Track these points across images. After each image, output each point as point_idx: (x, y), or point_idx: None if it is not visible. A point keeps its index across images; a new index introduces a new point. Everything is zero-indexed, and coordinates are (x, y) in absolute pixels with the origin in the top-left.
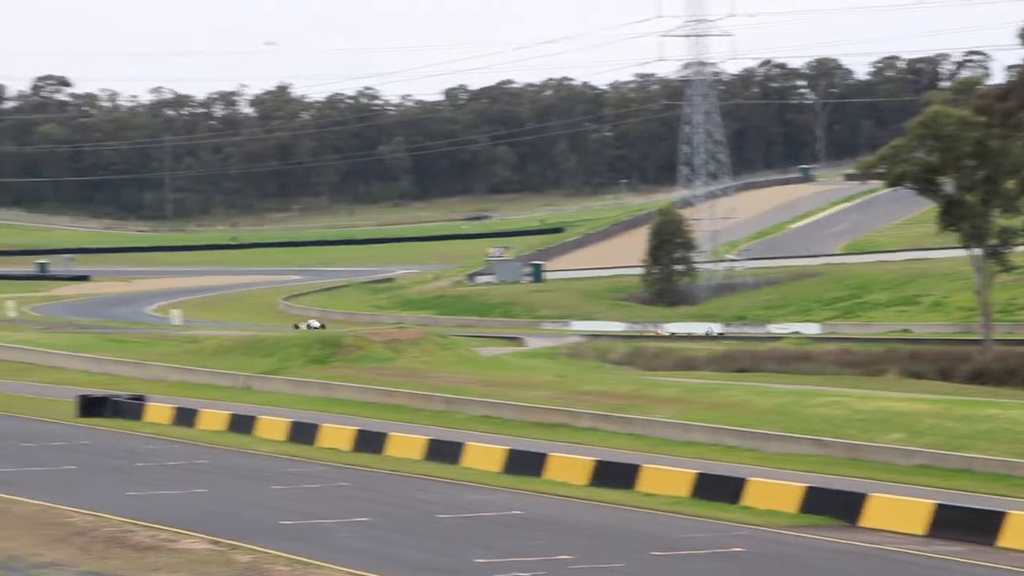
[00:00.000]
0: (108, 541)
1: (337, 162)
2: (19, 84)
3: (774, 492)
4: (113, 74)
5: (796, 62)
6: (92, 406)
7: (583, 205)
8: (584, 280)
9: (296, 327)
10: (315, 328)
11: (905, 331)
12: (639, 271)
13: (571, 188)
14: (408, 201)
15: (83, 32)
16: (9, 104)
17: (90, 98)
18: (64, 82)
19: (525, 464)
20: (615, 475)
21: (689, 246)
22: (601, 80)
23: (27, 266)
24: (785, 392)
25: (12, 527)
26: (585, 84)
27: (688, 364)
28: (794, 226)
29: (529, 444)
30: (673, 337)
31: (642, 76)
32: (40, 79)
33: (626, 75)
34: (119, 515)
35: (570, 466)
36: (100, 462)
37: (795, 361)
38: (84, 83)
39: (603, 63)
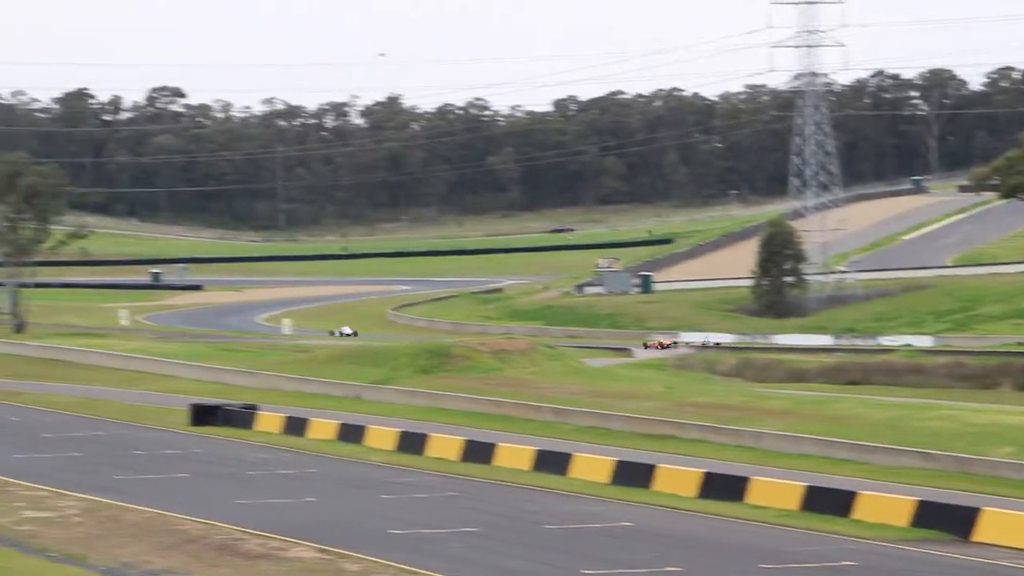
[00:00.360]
0: (219, 549)
1: (446, 173)
2: (134, 95)
3: (885, 506)
4: (226, 85)
5: (909, 72)
6: (204, 415)
7: (692, 216)
8: (693, 291)
9: (331, 333)
10: (347, 335)
11: (1020, 344)
12: (748, 283)
13: (680, 199)
14: (517, 212)
15: (197, 43)
16: (125, 115)
17: (204, 109)
18: (178, 93)
19: (633, 475)
20: (724, 487)
21: (799, 258)
22: (711, 91)
23: (141, 275)
24: (896, 405)
25: (125, 534)
26: (695, 95)
27: (798, 376)
28: (906, 238)
29: (637, 455)
30: (674, 346)
31: (753, 87)
32: (155, 90)
33: (736, 86)
34: (230, 523)
35: (679, 478)
36: (211, 470)
37: (907, 374)
38: (198, 94)
39: (713, 74)
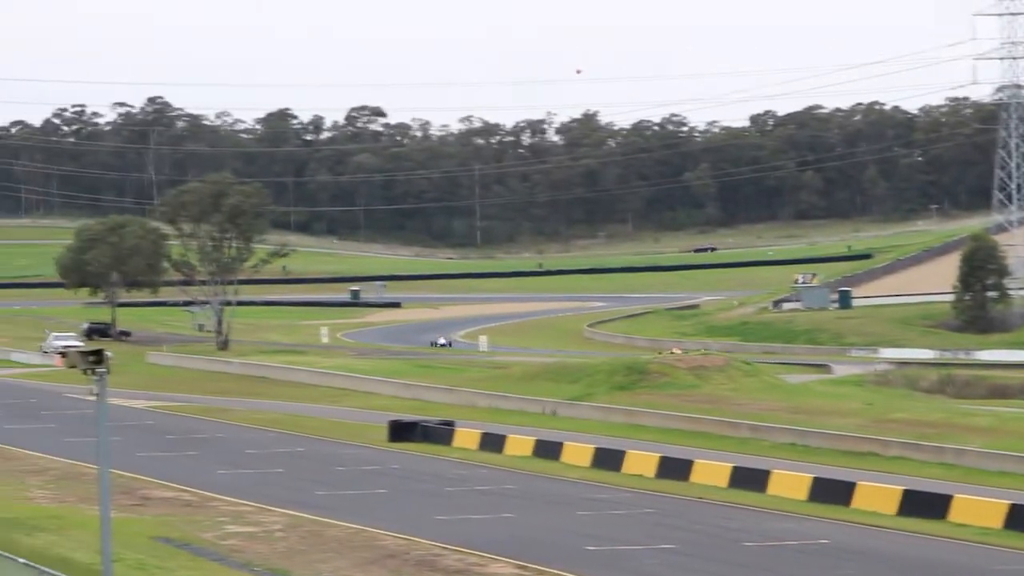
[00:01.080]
0: (418, 564)
1: (643, 189)
2: (335, 115)
3: None
4: (425, 104)
5: None
6: (402, 431)
7: (892, 231)
8: (893, 307)
9: (432, 344)
10: (442, 345)
11: None
12: (950, 298)
13: (880, 214)
14: (714, 227)
15: (396, 63)
16: (325, 135)
17: (402, 128)
18: (378, 112)
19: (832, 492)
20: (925, 505)
21: (1003, 272)
22: (912, 104)
23: (340, 293)
24: None
25: (327, 549)
26: (895, 108)
27: (1001, 393)
28: None
29: (836, 472)
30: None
31: (954, 100)
32: (354, 110)
33: (938, 99)
34: (429, 539)
35: (878, 495)
36: (410, 486)
37: None
38: (397, 113)
39: (914, 87)
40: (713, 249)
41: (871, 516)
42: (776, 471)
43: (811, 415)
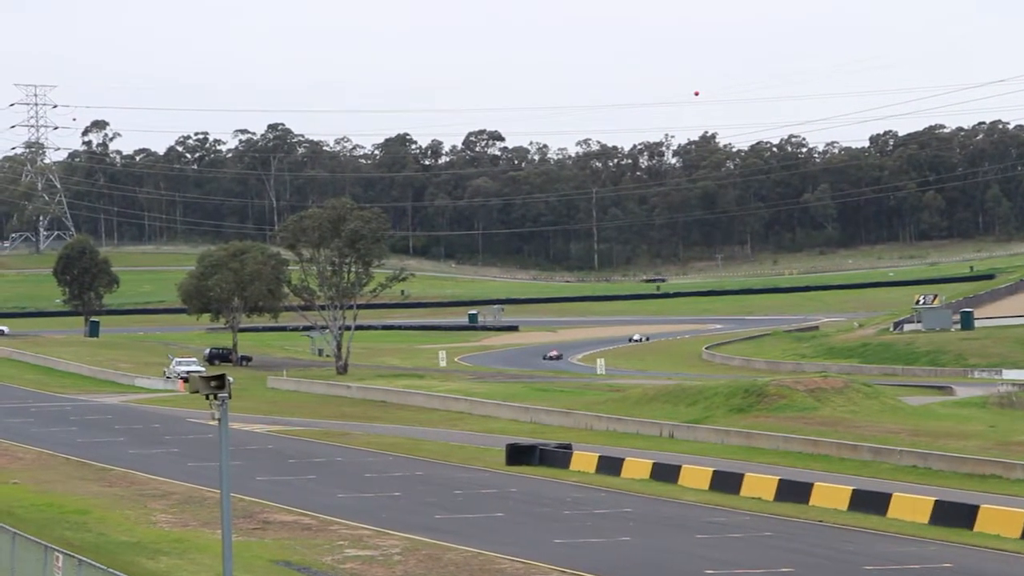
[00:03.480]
0: None
1: (761, 210)
2: (453, 140)
3: None
4: (543, 128)
5: None
6: (520, 454)
7: (1015, 250)
8: (1017, 328)
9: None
10: (554, 357)
11: None
12: None
13: (1003, 234)
14: (833, 248)
15: (514, 88)
16: (443, 159)
17: (520, 152)
18: (496, 136)
19: (954, 516)
20: None
21: None
22: None
23: (459, 317)
24: None
25: (445, 573)
26: (1018, 127)
27: None
28: None
29: (959, 495)
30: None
31: None
32: (472, 134)
33: None
34: (548, 562)
35: (1003, 519)
36: (528, 509)
37: None
38: (515, 137)
39: None
40: (663, 280)
41: (995, 540)
42: (897, 494)
43: (933, 437)
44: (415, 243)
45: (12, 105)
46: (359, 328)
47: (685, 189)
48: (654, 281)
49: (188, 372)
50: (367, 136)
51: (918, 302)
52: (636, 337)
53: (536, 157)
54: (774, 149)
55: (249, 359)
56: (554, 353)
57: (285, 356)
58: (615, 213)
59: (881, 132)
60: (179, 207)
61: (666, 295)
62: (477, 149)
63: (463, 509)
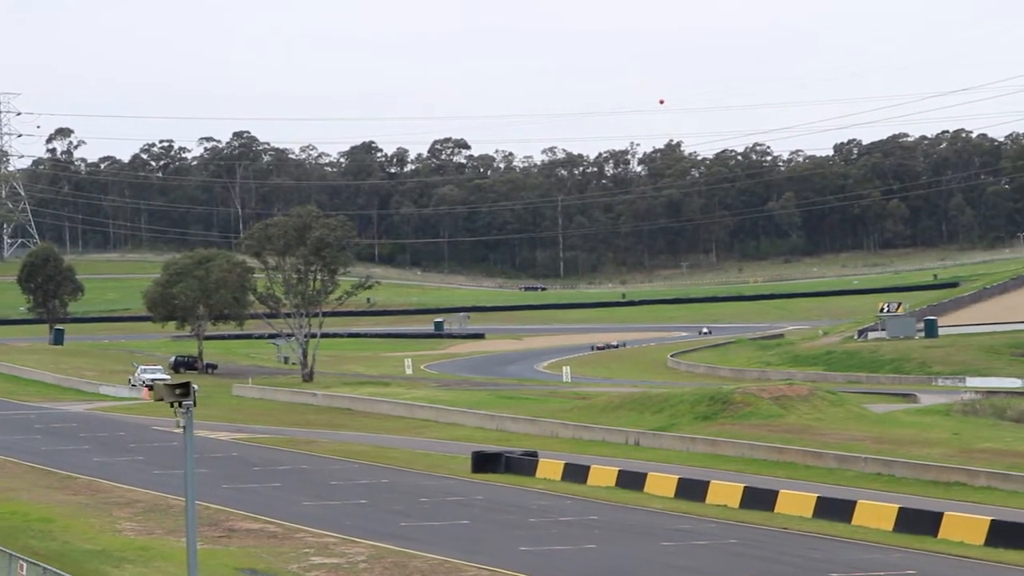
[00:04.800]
0: None
1: (726, 219)
2: (418, 148)
3: None
4: (508, 136)
5: None
6: (486, 462)
7: (979, 259)
8: (980, 335)
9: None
10: (613, 346)
11: None
12: None
13: (966, 242)
14: (798, 257)
15: (479, 96)
16: (409, 167)
17: (486, 160)
18: (462, 144)
19: (919, 523)
20: (1015, 535)
21: None
22: (999, 132)
23: (424, 325)
24: None
25: None
26: (982, 136)
27: None
28: None
29: (923, 503)
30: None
31: None
32: (438, 142)
33: None
34: (513, 570)
35: (967, 526)
36: (494, 517)
37: None
38: (480, 145)
39: (1001, 114)
40: (544, 288)
41: (959, 547)
42: (862, 501)
43: (897, 445)
44: (381, 251)
45: None
46: (324, 336)
47: (650, 197)
48: (534, 289)
49: (153, 380)
50: (333, 144)
51: (882, 310)
52: (614, 343)
53: (502, 165)
54: (739, 157)
55: (214, 367)
56: (615, 343)
57: (251, 364)
58: (581, 221)
59: (845, 141)
60: (144, 215)
61: (631, 303)
62: (443, 157)
63: (429, 517)
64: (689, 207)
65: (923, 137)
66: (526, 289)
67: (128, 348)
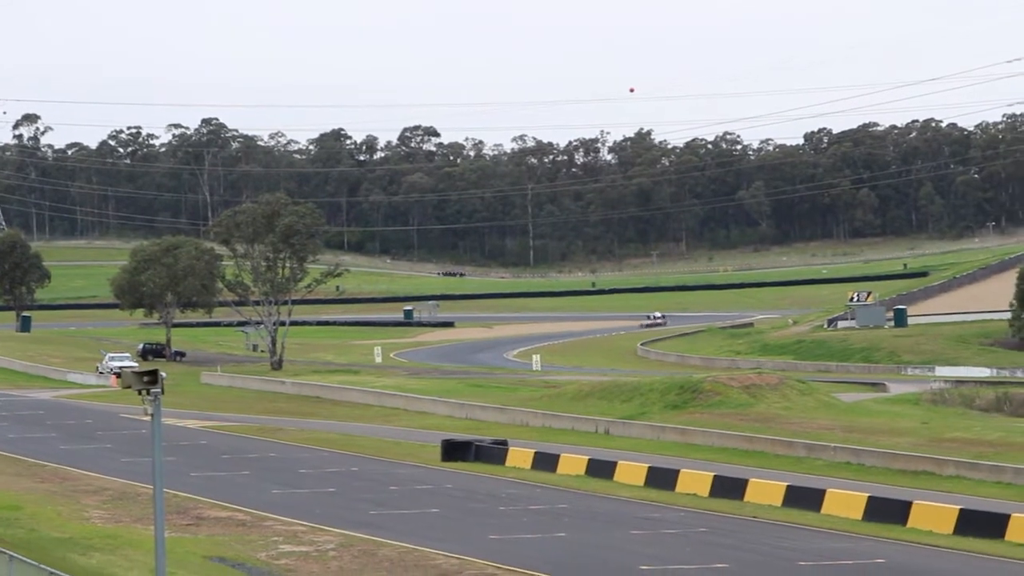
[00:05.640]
0: None
1: (696, 207)
2: (388, 135)
3: None
4: (478, 124)
5: None
6: (456, 450)
7: (948, 248)
8: (949, 325)
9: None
10: (657, 318)
11: None
12: (1007, 316)
13: (936, 231)
14: (768, 246)
15: (449, 84)
16: (378, 155)
17: (456, 147)
18: (432, 132)
19: (887, 512)
20: (983, 524)
21: None
22: (968, 121)
23: (394, 313)
24: None
25: (380, 569)
26: (951, 125)
27: None
28: None
29: (892, 492)
30: None
31: (1012, 116)
32: (408, 130)
33: (995, 115)
34: (482, 558)
35: (935, 514)
36: (464, 505)
37: None
38: (450, 133)
39: (970, 104)
40: (463, 275)
41: (927, 535)
42: (831, 490)
43: (866, 434)
44: (350, 238)
45: None
46: (294, 324)
47: (620, 186)
48: (453, 275)
49: (121, 367)
50: (302, 131)
51: (852, 299)
52: (657, 315)
53: (472, 153)
54: (709, 146)
55: (183, 354)
56: (658, 314)
57: (219, 352)
58: (551, 209)
59: (815, 129)
60: (111, 202)
61: (601, 291)
62: (412, 145)
63: (398, 505)
64: (659, 196)
65: (893, 126)
66: (445, 275)
67: (96, 336)
